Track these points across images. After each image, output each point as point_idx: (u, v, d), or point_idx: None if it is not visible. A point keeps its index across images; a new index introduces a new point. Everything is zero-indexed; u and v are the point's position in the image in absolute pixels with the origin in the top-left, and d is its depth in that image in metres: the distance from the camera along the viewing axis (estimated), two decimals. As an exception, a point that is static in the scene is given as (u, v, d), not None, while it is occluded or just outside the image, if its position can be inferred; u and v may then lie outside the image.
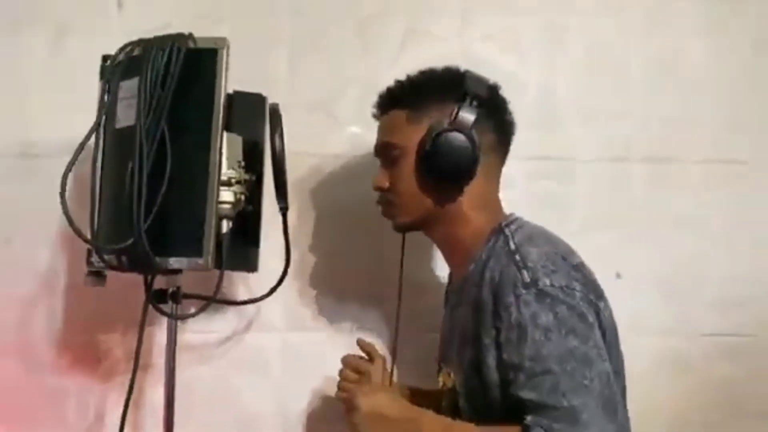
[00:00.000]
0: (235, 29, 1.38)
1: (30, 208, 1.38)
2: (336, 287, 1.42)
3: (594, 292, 0.96)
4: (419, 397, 1.16)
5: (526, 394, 0.88)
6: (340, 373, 1.18)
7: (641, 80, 1.45)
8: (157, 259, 0.96)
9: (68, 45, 1.43)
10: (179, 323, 1.33)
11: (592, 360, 0.88)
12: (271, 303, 1.32)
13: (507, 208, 1.12)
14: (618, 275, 1.40)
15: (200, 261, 0.95)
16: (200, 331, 1.38)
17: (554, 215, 1.37)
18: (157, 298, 1.09)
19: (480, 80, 1.04)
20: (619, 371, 1.02)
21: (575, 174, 1.44)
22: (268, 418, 1.39)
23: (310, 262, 1.42)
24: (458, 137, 1.00)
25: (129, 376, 1.31)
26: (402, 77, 1.10)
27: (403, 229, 1.12)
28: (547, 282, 0.91)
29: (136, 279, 1.12)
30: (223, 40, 0.99)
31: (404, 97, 1.08)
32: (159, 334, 1.31)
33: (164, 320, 1.14)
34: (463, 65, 1.11)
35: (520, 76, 1.44)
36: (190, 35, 0.99)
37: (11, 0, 1.43)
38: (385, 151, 1.09)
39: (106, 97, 1.02)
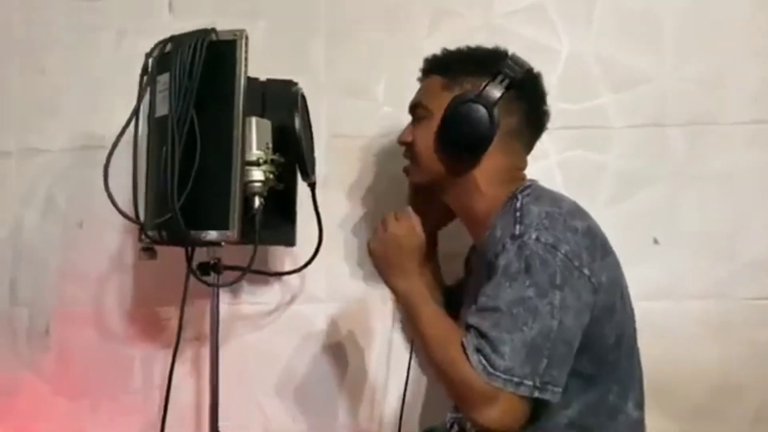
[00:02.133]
0: (276, 23, 1.50)
1: (99, 195, 1.49)
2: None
3: (587, 258, 0.96)
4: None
5: (472, 320, 0.94)
6: None
7: (675, 41, 1.42)
8: (192, 232, 1.06)
9: (127, 45, 1.55)
10: (232, 297, 1.48)
11: (540, 314, 0.91)
12: (315, 276, 1.43)
13: (540, 179, 1.13)
14: (655, 241, 1.40)
15: (228, 233, 1.04)
16: (251, 302, 1.48)
17: (589, 184, 1.41)
18: (201, 270, 1.20)
19: (520, 64, 1.07)
20: (623, 333, 1.03)
21: (609, 142, 1.43)
22: (314, 383, 1.46)
23: (351, 236, 1.48)
24: (477, 109, 1.04)
25: (189, 344, 1.46)
26: (451, 48, 1.15)
27: (416, 187, 1.18)
28: (533, 236, 0.94)
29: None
30: (242, 31, 1.07)
31: (444, 65, 1.12)
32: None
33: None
34: (491, 40, 1.15)
35: (549, 45, 1.44)
36: (213, 29, 1.09)
37: (78, 7, 1.58)
38: (415, 109, 1.15)
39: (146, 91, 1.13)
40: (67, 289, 1.53)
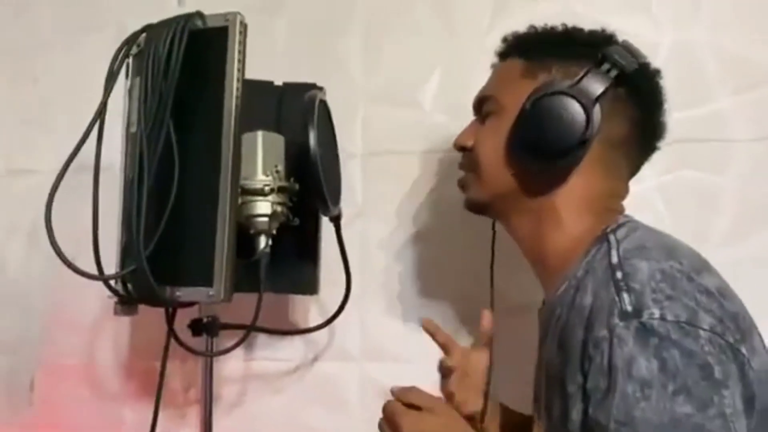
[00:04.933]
0: (300, 17, 1.32)
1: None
2: (423, 308, 1.22)
3: (737, 332, 0.68)
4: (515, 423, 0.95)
5: None
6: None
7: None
8: (168, 288, 0.80)
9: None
10: (246, 352, 1.25)
11: None
12: (347, 327, 1.22)
13: (633, 209, 0.87)
14: (792, 291, 1.13)
15: (211, 292, 0.77)
16: (269, 359, 1.27)
17: (700, 215, 1.18)
18: (193, 328, 0.95)
19: (634, 52, 0.82)
20: None
21: (728, 159, 1.17)
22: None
23: (392, 279, 1.24)
24: (570, 105, 0.78)
25: (190, 408, 1.25)
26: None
27: (473, 206, 0.90)
28: (656, 313, 0.65)
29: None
30: (235, 14, 0.82)
31: (528, 45, 0.88)
32: (226, 364, 1.24)
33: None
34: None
35: (647, 36, 1.17)
36: (198, 13, 0.84)
37: (75, 7, 1.40)
38: (481, 104, 0.91)
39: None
40: (55, 338, 1.34)
